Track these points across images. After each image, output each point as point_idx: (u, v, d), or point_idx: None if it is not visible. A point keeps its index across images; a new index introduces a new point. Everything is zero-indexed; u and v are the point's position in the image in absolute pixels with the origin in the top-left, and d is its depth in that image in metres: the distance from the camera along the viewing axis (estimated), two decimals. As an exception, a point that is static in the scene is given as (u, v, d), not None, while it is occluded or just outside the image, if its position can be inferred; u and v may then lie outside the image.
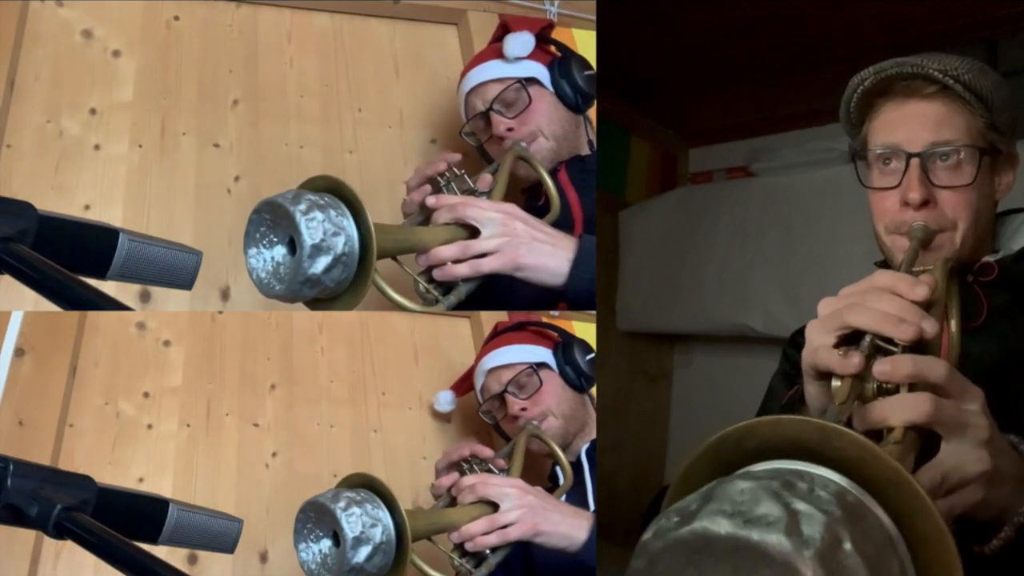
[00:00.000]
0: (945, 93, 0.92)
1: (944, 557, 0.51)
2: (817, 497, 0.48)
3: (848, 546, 0.46)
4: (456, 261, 1.07)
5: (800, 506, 0.47)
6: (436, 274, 1.07)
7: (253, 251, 0.94)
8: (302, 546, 1.05)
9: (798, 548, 0.45)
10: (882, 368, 0.65)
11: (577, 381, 1.46)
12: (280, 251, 0.94)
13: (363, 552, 1.01)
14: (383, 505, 1.05)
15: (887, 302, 0.70)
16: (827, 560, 0.45)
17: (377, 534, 1.02)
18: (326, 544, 1.05)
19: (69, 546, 1.04)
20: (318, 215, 0.90)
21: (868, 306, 0.70)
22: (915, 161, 0.91)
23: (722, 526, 0.47)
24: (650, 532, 0.50)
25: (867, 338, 0.69)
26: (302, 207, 0.89)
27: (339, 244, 0.91)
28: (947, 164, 0.91)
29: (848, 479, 0.52)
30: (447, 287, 1.09)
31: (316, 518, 1.05)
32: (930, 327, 0.69)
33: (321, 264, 0.90)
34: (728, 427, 0.56)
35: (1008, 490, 0.68)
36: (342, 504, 1.01)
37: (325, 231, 0.89)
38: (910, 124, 0.93)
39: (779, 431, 0.55)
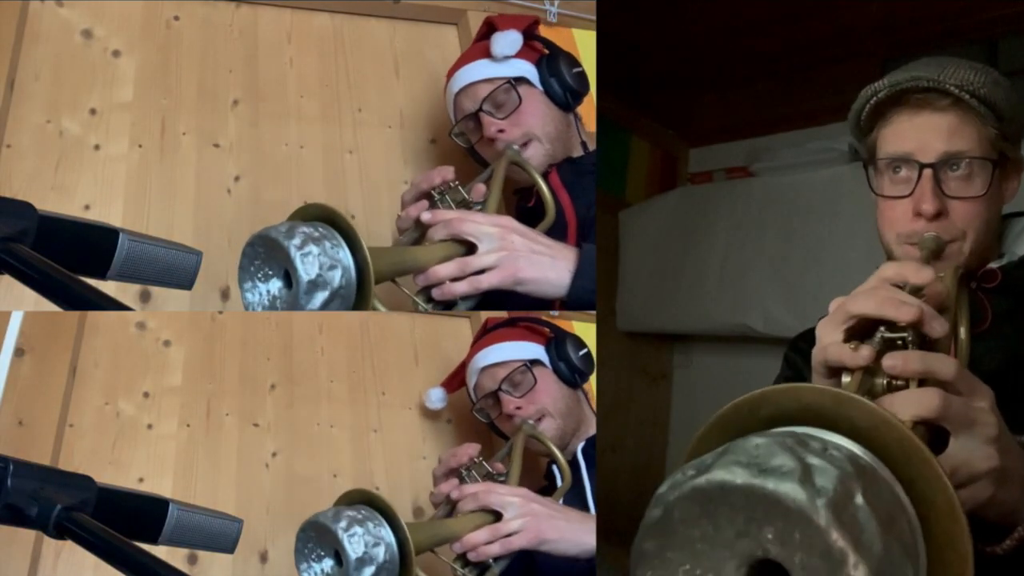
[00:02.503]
0: (958, 105, 0.91)
1: (952, 525, 0.51)
2: (830, 455, 0.48)
3: (860, 499, 0.47)
4: (454, 279, 1.05)
5: (813, 460, 0.48)
6: (435, 293, 1.06)
7: (248, 285, 0.93)
8: (303, 566, 1.04)
9: (811, 497, 0.46)
10: (892, 362, 0.65)
11: (571, 377, 1.46)
12: (276, 284, 0.92)
13: (367, 573, 0.99)
14: (385, 523, 1.03)
15: (889, 289, 0.71)
16: (839, 510, 0.45)
17: (380, 553, 1.00)
18: (328, 564, 1.04)
19: (69, 546, 1.04)
20: (313, 249, 0.88)
21: (870, 293, 0.71)
22: (928, 172, 0.91)
23: (738, 475, 0.47)
24: (666, 485, 0.50)
25: (878, 334, 0.69)
26: (296, 241, 0.88)
27: (336, 278, 0.89)
28: (959, 175, 0.91)
29: (860, 445, 0.52)
30: (446, 304, 1.08)
31: (317, 537, 1.04)
32: (940, 326, 0.69)
33: (319, 300, 0.88)
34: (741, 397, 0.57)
35: (1018, 489, 0.68)
36: (343, 524, 1.00)
37: (321, 265, 0.88)
38: (923, 135, 0.92)
39: (793, 398, 0.55)
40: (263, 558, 1.50)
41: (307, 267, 0.87)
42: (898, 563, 0.47)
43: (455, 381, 1.65)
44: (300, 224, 0.92)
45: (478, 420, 1.56)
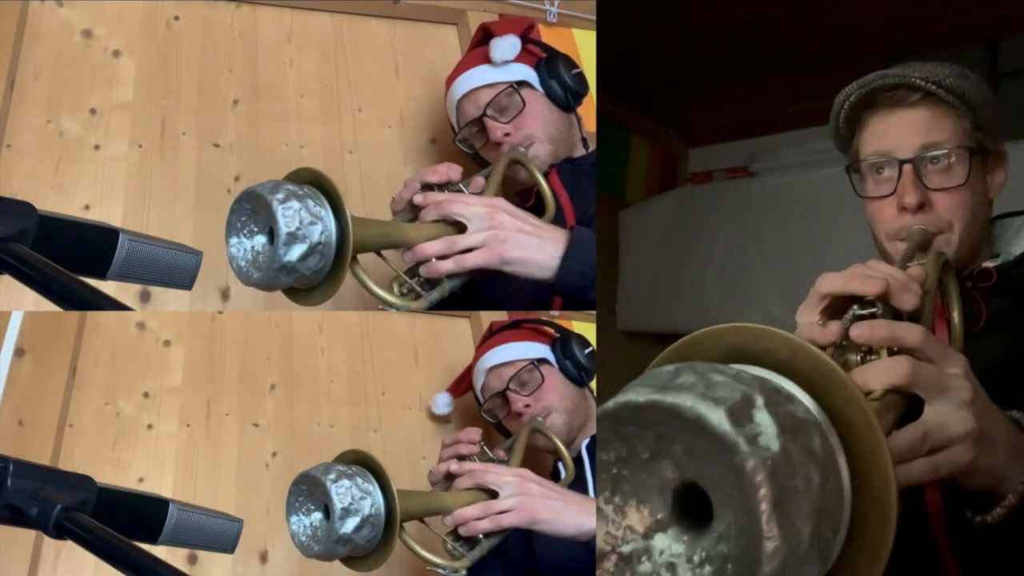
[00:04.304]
0: (929, 99, 0.94)
1: (871, 437, 0.52)
2: (737, 376, 0.49)
3: (761, 404, 0.47)
4: (441, 257, 1.06)
5: (717, 378, 0.48)
6: (422, 271, 1.06)
7: (234, 240, 0.95)
8: (293, 519, 1.07)
9: (708, 405, 0.46)
10: (859, 332, 0.66)
11: (577, 375, 1.46)
12: (260, 240, 0.95)
13: (351, 523, 1.02)
14: (374, 480, 1.06)
15: (856, 266, 0.73)
16: (737, 416, 0.46)
17: (366, 506, 1.03)
18: (317, 517, 1.07)
19: (69, 546, 1.04)
20: (295, 204, 0.90)
21: (840, 273, 0.73)
22: (907, 167, 0.94)
23: (642, 394, 0.48)
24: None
25: (850, 312, 0.70)
26: (280, 196, 0.90)
27: (316, 233, 0.91)
28: (938, 167, 0.94)
29: (776, 373, 0.53)
30: (432, 284, 1.09)
31: (308, 491, 1.06)
32: (911, 299, 0.70)
33: (296, 252, 0.90)
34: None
35: (1004, 457, 0.68)
36: (332, 476, 1.03)
37: (301, 220, 0.90)
38: (899, 132, 0.95)
39: (718, 340, 0.56)
40: (263, 558, 1.50)
41: (288, 220, 0.89)
42: (799, 464, 0.47)
43: (461, 386, 1.65)
44: (286, 182, 0.94)
45: (478, 420, 1.56)
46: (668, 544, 0.49)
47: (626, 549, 0.50)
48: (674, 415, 0.47)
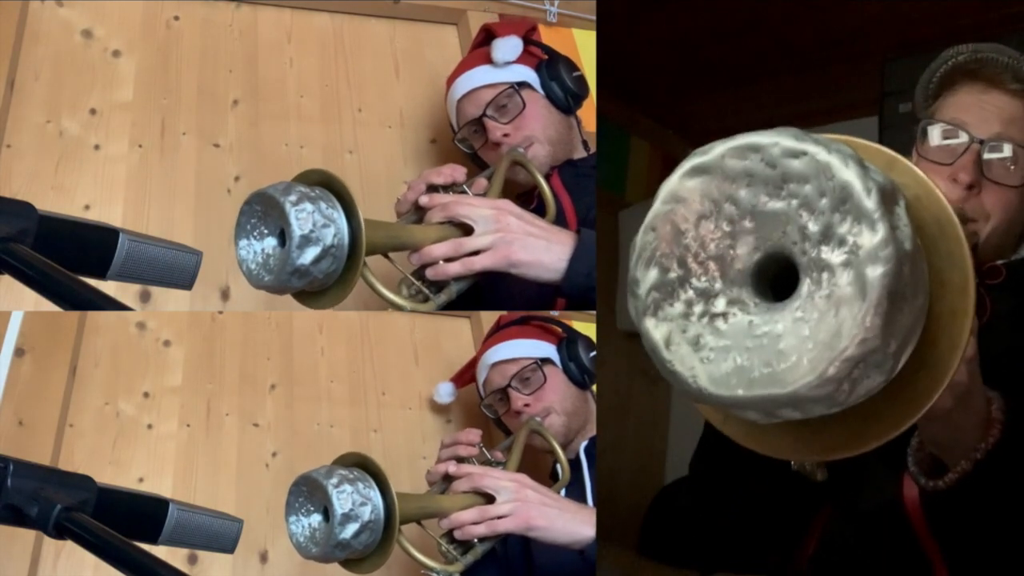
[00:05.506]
0: None
1: (962, 299, 0.50)
2: (883, 170, 0.47)
3: (903, 204, 0.45)
4: (448, 259, 1.06)
5: (872, 163, 0.46)
6: (429, 273, 1.06)
7: (244, 242, 0.94)
8: (292, 519, 1.07)
9: (861, 174, 0.44)
10: None
11: (580, 378, 1.46)
12: (271, 243, 0.94)
13: (351, 529, 1.02)
14: (375, 485, 1.06)
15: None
16: (885, 198, 0.43)
17: (366, 512, 1.03)
18: (316, 519, 1.06)
19: (69, 546, 1.04)
20: (308, 206, 0.90)
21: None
22: (975, 146, 0.93)
23: (785, 138, 0.47)
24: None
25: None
26: (292, 198, 0.90)
27: (328, 236, 0.91)
28: (1003, 160, 0.93)
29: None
30: (439, 286, 1.09)
31: (308, 492, 1.06)
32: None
33: (310, 255, 0.90)
34: None
35: (970, 422, 0.69)
36: (334, 480, 1.03)
37: (315, 222, 0.89)
38: (985, 111, 0.95)
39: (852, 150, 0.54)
40: (263, 558, 1.50)
41: (301, 222, 0.89)
42: (916, 277, 0.44)
43: (465, 376, 1.65)
44: (298, 184, 0.93)
45: (479, 417, 1.56)
46: (743, 297, 0.47)
47: (701, 284, 0.48)
48: (826, 169, 0.44)
